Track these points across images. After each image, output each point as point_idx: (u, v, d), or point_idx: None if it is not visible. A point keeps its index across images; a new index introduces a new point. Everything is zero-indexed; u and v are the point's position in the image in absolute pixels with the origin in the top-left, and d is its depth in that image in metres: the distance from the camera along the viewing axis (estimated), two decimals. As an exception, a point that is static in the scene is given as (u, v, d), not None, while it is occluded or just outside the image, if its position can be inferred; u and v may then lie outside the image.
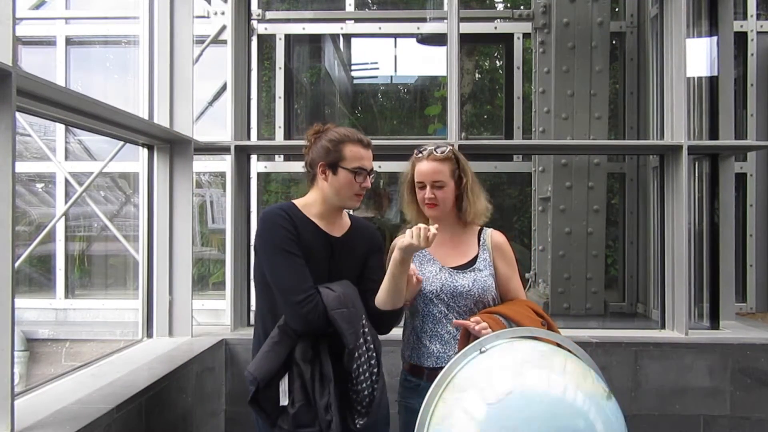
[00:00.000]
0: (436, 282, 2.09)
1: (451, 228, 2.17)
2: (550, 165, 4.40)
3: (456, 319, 2.05)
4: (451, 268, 2.11)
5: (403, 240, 1.89)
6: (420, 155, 2.13)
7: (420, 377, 2.09)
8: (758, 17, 4.78)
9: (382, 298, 1.99)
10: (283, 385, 1.91)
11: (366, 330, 1.91)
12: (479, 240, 2.18)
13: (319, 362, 1.90)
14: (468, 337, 1.92)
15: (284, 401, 1.89)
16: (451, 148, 2.14)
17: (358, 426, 1.91)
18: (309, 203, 2.04)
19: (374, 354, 1.92)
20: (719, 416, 3.19)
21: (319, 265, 1.97)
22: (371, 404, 1.92)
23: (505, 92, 5.17)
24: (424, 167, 2.10)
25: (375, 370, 1.91)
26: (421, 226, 1.88)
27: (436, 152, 2.10)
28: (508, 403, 1.52)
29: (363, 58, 5.84)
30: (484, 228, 2.21)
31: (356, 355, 1.88)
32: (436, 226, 1.90)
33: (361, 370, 1.89)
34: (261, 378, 1.89)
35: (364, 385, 1.89)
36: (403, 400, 2.15)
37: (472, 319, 1.92)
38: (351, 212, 2.20)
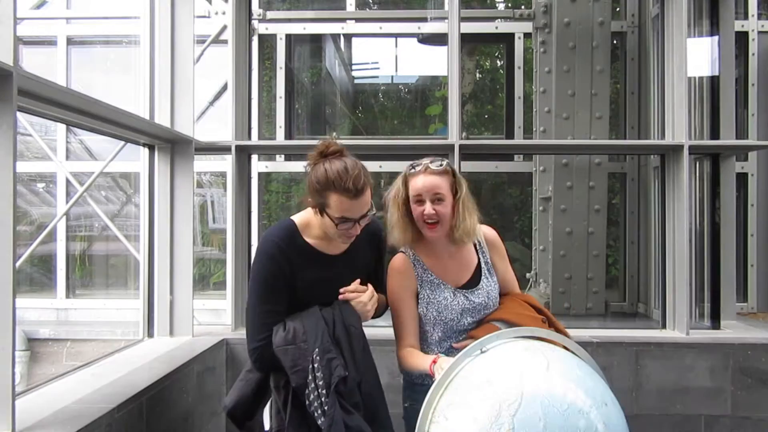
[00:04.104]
0: (456, 308, 2.06)
1: (448, 246, 2.12)
2: (551, 165, 4.40)
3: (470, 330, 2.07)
4: (462, 287, 2.09)
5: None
6: (413, 170, 2.04)
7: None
8: (759, 17, 4.78)
9: None
10: (266, 411, 1.99)
11: (316, 366, 1.81)
12: (475, 245, 2.16)
13: (292, 389, 1.88)
14: None
15: (267, 426, 1.98)
16: (447, 161, 2.07)
17: None
18: (308, 224, 1.99)
19: (325, 392, 1.80)
20: (720, 416, 3.19)
21: (320, 288, 1.96)
22: None
23: (506, 92, 5.17)
24: (420, 181, 2.01)
25: (326, 408, 1.79)
26: (362, 299, 1.96)
27: (432, 166, 2.02)
28: (509, 403, 1.52)
29: (364, 58, 5.84)
30: None
31: (306, 392, 1.82)
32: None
33: (314, 405, 1.81)
34: (230, 406, 1.97)
35: (317, 418, 1.81)
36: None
37: (469, 341, 1.95)
38: None
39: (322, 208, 1.88)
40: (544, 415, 1.49)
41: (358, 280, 1.99)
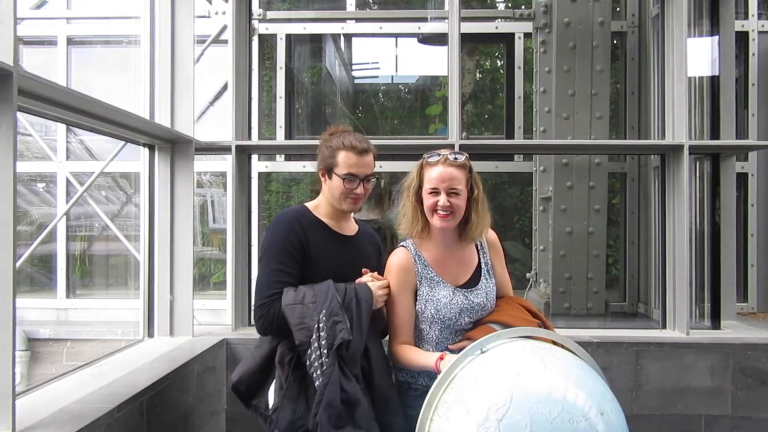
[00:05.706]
0: (454, 307, 2.04)
1: (453, 244, 2.12)
2: (551, 165, 4.39)
3: (465, 332, 2.07)
4: (462, 287, 2.08)
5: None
6: (432, 159, 2.02)
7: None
8: (759, 17, 4.78)
9: None
10: (271, 388, 2.02)
11: (321, 326, 1.86)
12: (476, 245, 2.17)
13: (295, 365, 1.94)
14: None
15: (271, 403, 2.00)
16: (466, 155, 2.05)
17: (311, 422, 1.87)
18: (319, 204, 2.15)
19: (326, 351, 1.84)
20: (720, 416, 3.19)
21: (332, 263, 2.04)
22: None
23: (506, 92, 5.17)
24: (437, 172, 1.98)
25: (324, 369, 1.84)
26: (377, 284, 2.02)
27: (452, 158, 1.99)
28: (509, 403, 1.52)
29: (364, 58, 5.84)
30: None
31: (309, 351, 1.87)
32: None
33: (314, 366, 1.85)
34: (235, 379, 2.03)
35: (315, 380, 1.85)
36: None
37: (465, 342, 1.97)
38: (354, 215, 2.23)
39: (330, 170, 2.06)
40: (531, 421, 1.48)
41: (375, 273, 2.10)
